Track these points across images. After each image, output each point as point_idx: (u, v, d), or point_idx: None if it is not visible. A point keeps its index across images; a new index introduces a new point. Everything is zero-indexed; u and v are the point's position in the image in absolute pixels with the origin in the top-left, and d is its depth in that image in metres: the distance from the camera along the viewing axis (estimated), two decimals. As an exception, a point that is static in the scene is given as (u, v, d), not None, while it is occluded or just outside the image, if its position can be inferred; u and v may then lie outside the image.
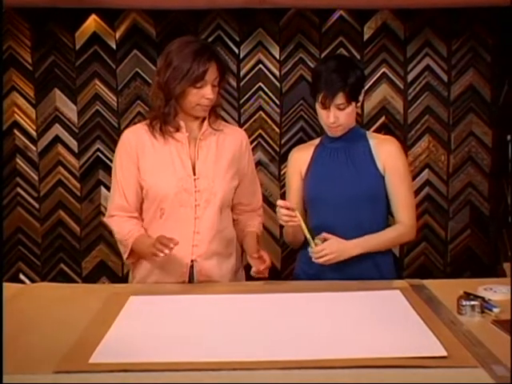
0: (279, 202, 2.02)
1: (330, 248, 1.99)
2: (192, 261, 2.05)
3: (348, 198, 2.09)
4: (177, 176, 2.04)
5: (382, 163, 2.12)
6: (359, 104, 2.12)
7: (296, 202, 2.20)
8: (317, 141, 2.26)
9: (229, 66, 2.02)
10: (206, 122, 2.08)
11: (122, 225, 2.08)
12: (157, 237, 1.91)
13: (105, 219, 2.15)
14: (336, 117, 2.07)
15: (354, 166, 2.12)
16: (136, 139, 2.09)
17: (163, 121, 2.04)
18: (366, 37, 3.12)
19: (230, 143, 2.12)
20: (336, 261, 1.99)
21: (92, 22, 3.08)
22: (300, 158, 2.24)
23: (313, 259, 2.00)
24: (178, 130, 2.06)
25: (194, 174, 2.05)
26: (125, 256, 2.08)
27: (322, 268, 2.08)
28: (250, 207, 2.21)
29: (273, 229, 3.12)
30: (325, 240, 2.02)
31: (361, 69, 2.12)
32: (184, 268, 2.04)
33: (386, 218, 2.21)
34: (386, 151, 2.13)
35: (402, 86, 3.15)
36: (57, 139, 3.14)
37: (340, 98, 2.04)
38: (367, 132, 2.21)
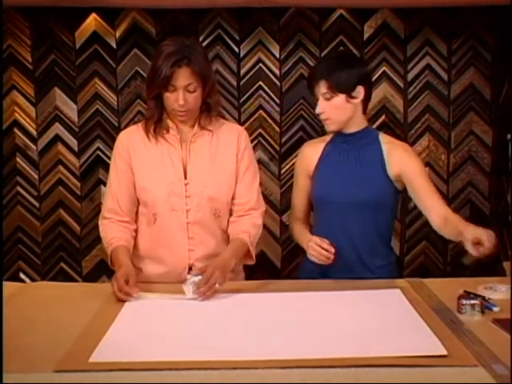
0: (318, 241, 1.97)
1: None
2: (190, 265, 2.05)
3: (353, 202, 2.06)
4: (167, 179, 2.03)
5: (394, 169, 2.07)
6: (356, 100, 2.08)
7: (302, 200, 2.19)
8: (329, 137, 2.22)
9: (215, 67, 1.99)
10: (196, 124, 2.07)
11: (107, 231, 2.07)
12: (126, 279, 1.84)
13: (99, 222, 2.14)
14: (323, 107, 2.06)
15: (362, 168, 2.09)
16: (128, 141, 2.09)
17: (153, 120, 2.05)
18: (366, 36, 3.11)
19: (224, 144, 2.09)
20: None
21: (92, 21, 3.07)
22: (309, 156, 2.20)
23: None
24: (168, 131, 2.06)
25: (186, 178, 2.04)
26: (109, 263, 2.07)
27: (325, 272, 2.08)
28: (247, 206, 2.11)
29: (273, 228, 3.12)
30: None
31: (359, 66, 2.10)
32: (182, 272, 2.04)
33: (391, 227, 2.19)
34: (398, 157, 2.08)
35: (402, 85, 3.14)
36: (57, 138, 3.14)
37: (323, 87, 2.03)
38: (380, 133, 2.17)
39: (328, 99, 2.05)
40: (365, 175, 2.08)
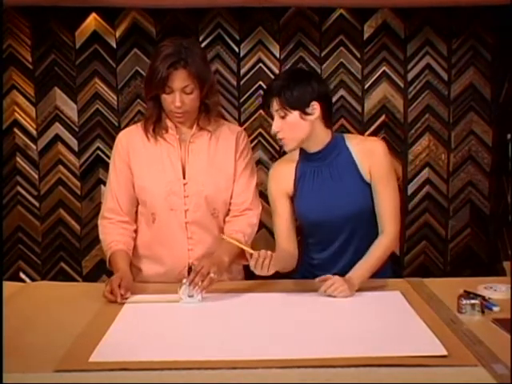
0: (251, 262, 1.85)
1: (339, 281, 1.87)
2: (189, 264, 2.05)
3: (340, 218, 2.01)
4: (166, 179, 2.03)
5: (366, 170, 2.02)
6: (312, 117, 1.96)
7: (286, 225, 2.11)
8: (295, 155, 2.10)
9: (215, 66, 1.98)
10: (195, 125, 2.07)
11: (107, 233, 2.07)
12: (114, 281, 1.86)
13: (98, 222, 2.14)
14: (277, 126, 1.96)
15: (339, 182, 2.03)
16: (127, 140, 2.09)
17: (152, 120, 2.05)
18: (366, 35, 3.11)
19: (223, 144, 2.09)
20: (348, 294, 1.86)
21: (92, 21, 3.07)
22: (283, 176, 2.10)
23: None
24: (167, 130, 2.06)
25: (184, 178, 2.04)
26: (107, 265, 2.08)
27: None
28: (243, 206, 2.11)
29: (273, 228, 3.12)
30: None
31: (314, 82, 1.97)
32: (182, 271, 2.04)
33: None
34: (368, 157, 2.02)
35: (402, 85, 3.14)
36: (57, 138, 3.14)
37: (276, 104, 1.95)
38: (346, 136, 2.08)
39: (282, 117, 1.94)
40: (343, 189, 2.02)
